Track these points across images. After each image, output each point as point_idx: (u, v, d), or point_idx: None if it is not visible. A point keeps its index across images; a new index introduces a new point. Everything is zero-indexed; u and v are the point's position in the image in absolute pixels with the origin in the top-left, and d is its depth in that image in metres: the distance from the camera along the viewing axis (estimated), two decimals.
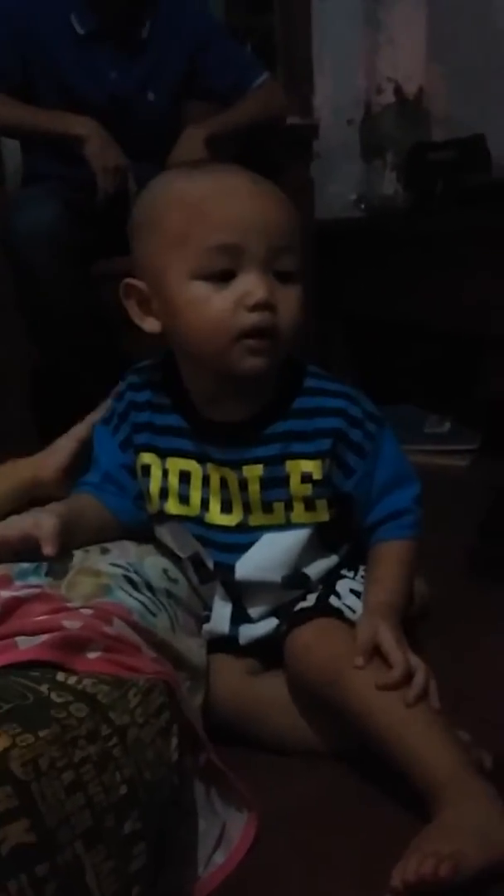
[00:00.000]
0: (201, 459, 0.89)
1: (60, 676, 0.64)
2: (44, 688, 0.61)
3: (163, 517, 0.92)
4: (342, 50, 2.55)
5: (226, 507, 0.89)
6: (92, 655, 0.67)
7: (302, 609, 0.89)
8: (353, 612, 0.88)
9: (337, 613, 0.87)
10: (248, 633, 0.92)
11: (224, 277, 0.79)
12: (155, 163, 1.68)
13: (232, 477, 0.87)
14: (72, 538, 0.86)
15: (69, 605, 0.74)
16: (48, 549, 0.81)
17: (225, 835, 0.75)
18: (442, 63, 2.54)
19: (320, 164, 2.37)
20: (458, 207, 2.05)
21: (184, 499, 0.90)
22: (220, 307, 0.79)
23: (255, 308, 0.79)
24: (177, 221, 0.80)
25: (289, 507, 0.88)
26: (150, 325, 0.85)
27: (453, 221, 1.96)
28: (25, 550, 0.83)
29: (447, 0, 2.47)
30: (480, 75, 2.33)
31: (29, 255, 1.60)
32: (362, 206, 2.46)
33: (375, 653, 0.80)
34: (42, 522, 0.83)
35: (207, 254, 0.79)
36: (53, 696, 0.60)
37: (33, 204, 1.64)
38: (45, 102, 1.78)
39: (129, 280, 0.85)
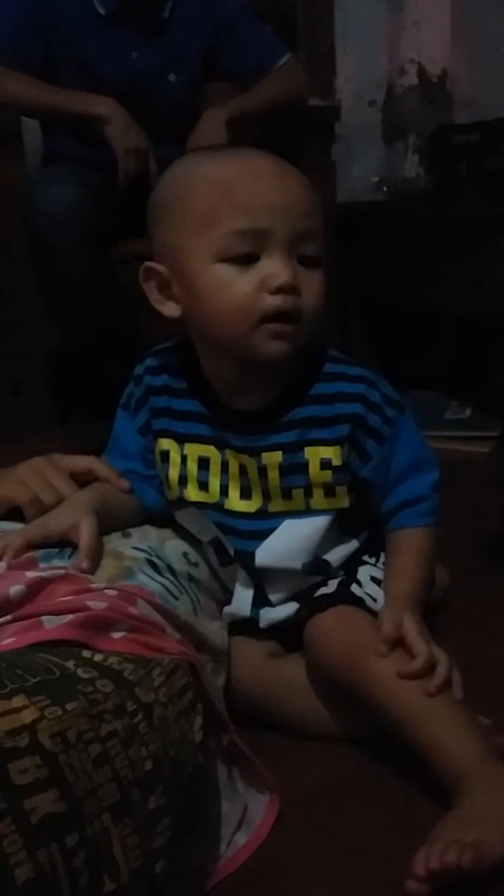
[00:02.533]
0: (220, 445, 0.89)
1: (86, 654, 0.64)
2: (70, 664, 0.61)
3: (182, 503, 0.92)
4: (365, 31, 2.53)
5: (245, 494, 0.89)
6: (117, 635, 0.68)
7: (323, 595, 0.89)
8: (375, 600, 0.88)
9: (358, 601, 0.87)
10: (268, 616, 0.93)
11: (248, 260, 0.79)
12: (176, 144, 1.68)
13: (251, 464, 0.87)
14: (102, 526, 0.86)
15: (93, 586, 0.75)
16: (85, 564, 0.80)
17: (247, 815, 0.75)
18: (466, 46, 2.51)
19: (342, 146, 2.35)
20: (481, 191, 2.03)
21: (203, 485, 0.90)
22: (243, 290, 0.79)
23: (279, 291, 0.78)
24: (202, 204, 0.79)
25: (308, 493, 0.88)
26: (170, 309, 0.85)
27: (476, 205, 1.94)
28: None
29: None
30: None
31: (49, 235, 1.60)
32: (384, 188, 2.44)
33: (399, 643, 0.80)
34: (81, 528, 0.83)
35: (232, 237, 0.78)
36: (80, 671, 0.61)
37: (53, 184, 1.64)
38: (67, 83, 1.78)
39: (149, 263, 0.84)
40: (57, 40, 1.77)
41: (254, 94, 1.87)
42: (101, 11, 1.76)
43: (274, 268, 0.78)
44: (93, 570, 0.80)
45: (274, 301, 0.79)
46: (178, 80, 1.84)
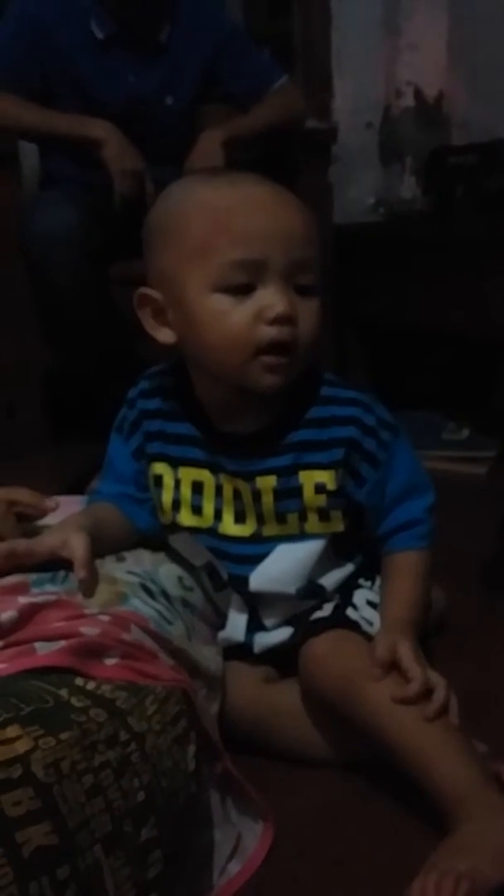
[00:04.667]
0: (214, 469, 0.88)
1: (79, 681, 0.63)
2: (63, 692, 0.61)
3: (175, 528, 0.92)
4: (362, 54, 2.55)
5: (239, 518, 0.89)
6: (110, 662, 0.67)
7: (318, 619, 0.89)
8: (371, 624, 0.87)
9: (353, 626, 0.87)
10: (262, 641, 0.92)
11: (244, 290, 0.78)
12: (173, 166, 1.69)
13: (245, 488, 0.87)
14: (95, 549, 0.85)
15: (86, 611, 0.74)
16: (82, 574, 0.80)
17: (240, 844, 0.74)
18: (462, 68, 2.53)
19: (339, 167, 2.36)
20: (477, 212, 2.04)
21: (196, 509, 0.90)
22: (239, 321, 0.78)
23: (276, 321, 0.78)
24: (199, 232, 0.79)
25: (303, 517, 0.87)
26: (165, 335, 0.84)
27: (473, 226, 1.95)
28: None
29: (468, 6, 2.46)
30: (500, 80, 2.32)
31: (45, 257, 1.60)
32: (381, 210, 2.45)
33: (393, 668, 0.79)
34: (72, 543, 0.82)
35: (229, 267, 0.78)
36: (73, 700, 0.60)
37: (50, 206, 1.65)
38: (64, 106, 1.79)
39: (143, 290, 0.84)
40: (54, 63, 1.78)
41: (251, 117, 1.89)
42: (99, 35, 1.78)
43: (270, 298, 0.78)
44: (92, 580, 0.80)
45: (270, 332, 0.78)
46: (175, 102, 1.86)
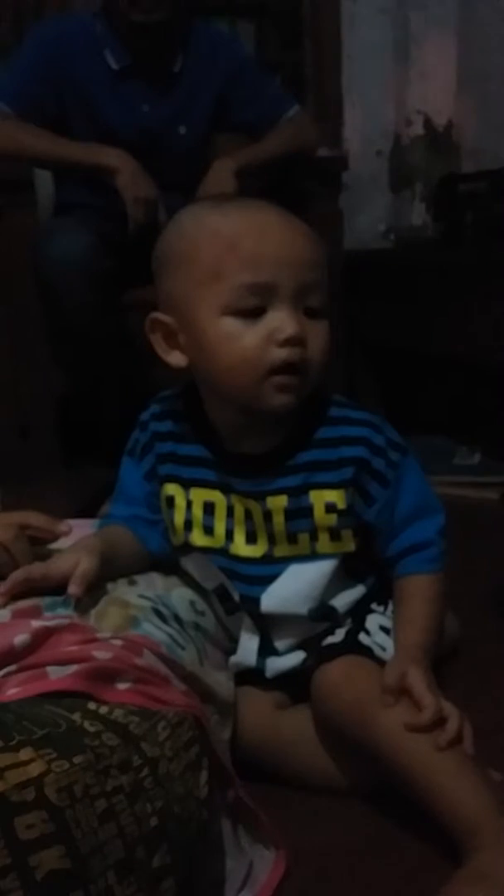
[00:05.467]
0: (225, 490, 0.89)
1: (92, 706, 0.63)
2: (76, 716, 0.61)
3: (187, 549, 0.92)
4: (372, 83, 2.58)
5: (251, 539, 0.89)
6: (122, 686, 0.67)
7: (330, 644, 0.88)
8: (384, 650, 0.87)
9: (366, 651, 0.86)
10: (274, 665, 0.91)
11: (255, 313, 0.79)
12: (185, 194, 1.71)
13: (256, 508, 0.87)
14: (106, 572, 0.86)
15: (99, 635, 0.74)
16: (73, 589, 0.81)
17: (252, 873, 0.73)
18: (471, 96, 2.56)
19: (349, 194, 2.38)
20: (487, 239, 2.05)
21: (208, 530, 0.90)
22: (251, 343, 0.79)
23: (286, 343, 0.79)
24: (209, 257, 0.80)
25: (314, 537, 0.88)
26: (176, 359, 0.85)
27: (483, 252, 1.96)
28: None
29: (477, 34, 2.49)
30: None
31: (59, 283, 1.62)
32: (391, 236, 2.47)
33: (405, 695, 0.79)
34: (80, 563, 0.83)
35: (240, 291, 0.79)
36: (86, 724, 0.60)
37: (64, 233, 1.67)
38: (79, 135, 1.81)
39: (155, 314, 0.85)
40: (69, 93, 1.81)
41: (263, 145, 1.91)
42: (114, 66, 1.81)
43: (281, 321, 0.79)
44: (83, 599, 0.80)
45: (281, 354, 0.79)
46: (188, 131, 1.88)
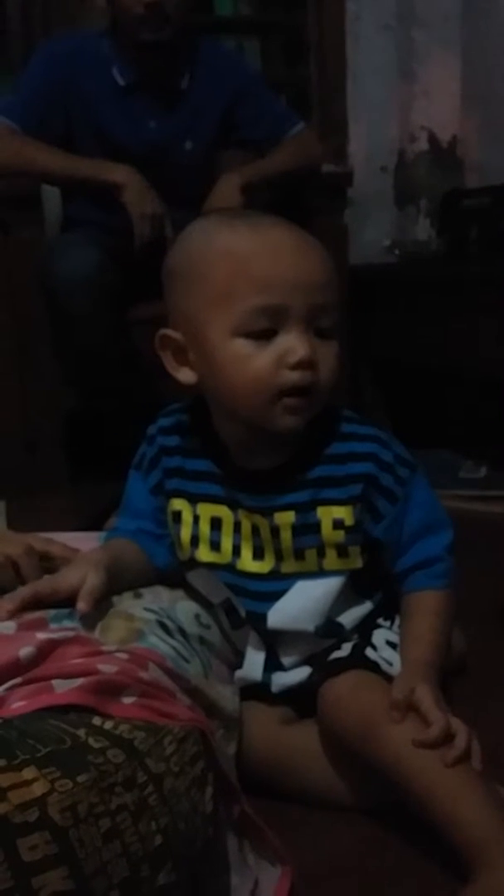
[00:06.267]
0: (232, 505, 0.88)
1: (97, 721, 0.63)
2: (81, 732, 0.60)
3: (194, 564, 0.92)
4: (376, 100, 2.60)
5: (258, 554, 0.89)
6: (127, 700, 0.67)
7: (336, 659, 0.88)
8: (390, 665, 0.86)
9: (373, 666, 0.86)
10: (280, 680, 0.91)
11: (266, 335, 0.79)
12: (192, 210, 1.72)
13: (263, 524, 0.87)
14: (112, 585, 0.86)
15: (104, 648, 0.74)
16: (82, 606, 0.81)
17: (257, 890, 0.72)
18: (475, 112, 2.57)
19: (355, 210, 2.40)
20: (491, 253, 2.06)
21: (215, 545, 0.90)
22: (261, 365, 0.79)
23: (297, 366, 0.79)
24: (220, 278, 0.80)
25: (321, 553, 0.87)
26: (186, 375, 0.85)
27: (487, 267, 1.97)
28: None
29: (480, 52, 2.51)
30: None
31: (67, 299, 1.63)
32: (396, 251, 2.48)
33: (412, 711, 0.78)
34: (87, 578, 0.83)
35: (251, 313, 0.78)
36: (91, 740, 0.60)
37: (72, 249, 1.68)
38: (86, 151, 1.83)
39: (164, 331, 0.85)
40: (77, 110, 1.83)
41: (269, 161, 1.92)
42: (121, 83, 1.83)
43: (292, 343, 0.79)
44: (91, 615, 0.80)
45: (292, 377, 0.79)
46: (194, 147, 1.90)
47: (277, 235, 0.81)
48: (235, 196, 1.80)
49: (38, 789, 0.53)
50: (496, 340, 1.78)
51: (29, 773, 0.54)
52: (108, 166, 1.79)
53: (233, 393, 0.82)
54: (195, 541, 0.91)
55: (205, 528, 0.90)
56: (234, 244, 0.81)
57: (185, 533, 0.91)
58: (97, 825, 0.55)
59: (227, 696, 0.85)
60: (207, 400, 0.88)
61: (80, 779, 0.56)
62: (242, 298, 0.78)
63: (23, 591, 0.82)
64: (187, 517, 0.91)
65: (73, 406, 1.87)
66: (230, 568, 0.90)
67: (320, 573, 0.88)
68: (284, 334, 0.79)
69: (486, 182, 2.34)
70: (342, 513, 0.86)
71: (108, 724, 0.63)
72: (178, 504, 0.91)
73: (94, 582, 0.82)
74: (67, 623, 0.80)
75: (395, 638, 0.90)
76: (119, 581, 0.88)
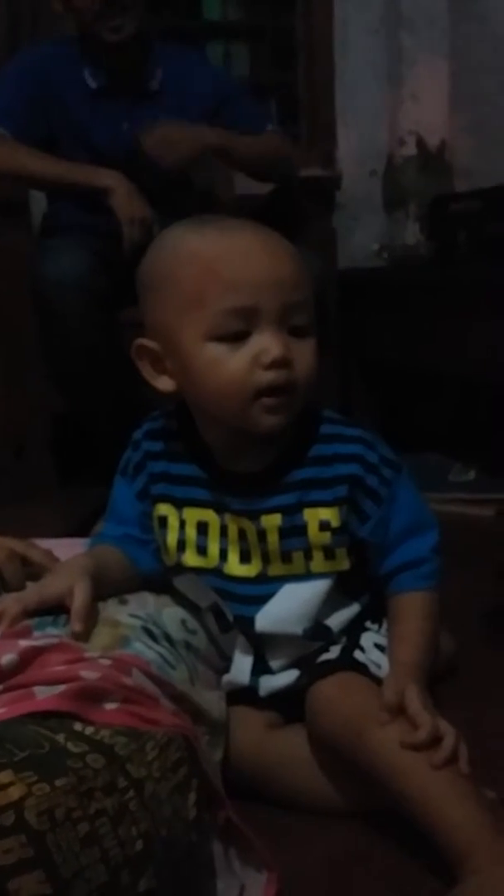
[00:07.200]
0: (219, 509, 0.88)
1: (77, 726, 0.62)
2: (60, 737, 0.60)
3: (180, 569, 0.91)
4: (365, 104, 2.61)
5: (245, 558, 0.88)
6: (110, 706, 0.66)
7: (324, 661, 0.87)
8: (378, 667, 0.86)
9: (361, 668, 0.85)
10: (268, 684, 0.91)
11: (239, 337, 0.79)
12: (178, 213, 1.71)
13: (250, 527, 0.87)
14: (98, 591, 0.85)
15: (87, 655, 0.73)
16: (77, 626, 0.80)
17: None
18: (464, 116, 2.58)
19: (344, 214, 2.41)
20: (480, 257, 2.06)
21: (202, 550, 0.89)
22: (236, 367, 0.79)
23: (272, 366, 0.79)
24: (189, 283, 0.80)
25: (308, 556, 0.87)
26: (164, 383, 0.85)
27: (475, 271, 1.97)
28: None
29: (468, 56, 2.52)
30: (501, 128, 2.37)
31: (55, 302, 1.62)
32: (385, 255, 2.49)
33: (400, 713, 0.78)
34: (75, 592, 0.82)
35: (223, 316, 0.78)
36: (70, 745, 0.59)
37: (60, 253, 1.67)
38: (68, 155, 1.83)
39: (140, 341, 0.85)
40: (55, 114, 1.84)
41: (246, 140, 1.88)
42: (92, 85, 1.84)
43: (266, 343, 0.79)
44: (85, 633, 0.79)
45: (267, 376, 0.79)
46: None
47: (245, 237, 0.81)
48: (188, 148, 1.75)
49: (14, 793, 0.53)
50: (485, 344, 1.78)
51: (5, 776, 0.54)
52: (96, 171, 1.79)
53: (211, 397, 0.82)
54: (181, 545, 0.90)
55: (191, 532, 0.89)
56: (201, 248, 0.80)
57: (172, 538, 0.90)
58: (75, 829, 0.54)
59: (213, 702, 0.85)
60: (189, 405, 0.88)
61: (58, 783, 0.55)
62: (213, 302, 0.78)
63: (10, 609, 0.81)
64: (173, 522, 0.90)
65: (61, 410, 1.87)
66: (217, 572, 0.89)
67: (307, 576, 0.88)
68: (258, 335, 0.79)
69: (474, 186, 2.35)
70: (328, 514, 0.86)
71: (89, 730, 0.62)
72: (163, 509, 0.91)
73: (83, 597, 0.82)
74: (51, 630, 0.80)
75: (383, 641, 0.89)
76: (103, 587, 0.87)
